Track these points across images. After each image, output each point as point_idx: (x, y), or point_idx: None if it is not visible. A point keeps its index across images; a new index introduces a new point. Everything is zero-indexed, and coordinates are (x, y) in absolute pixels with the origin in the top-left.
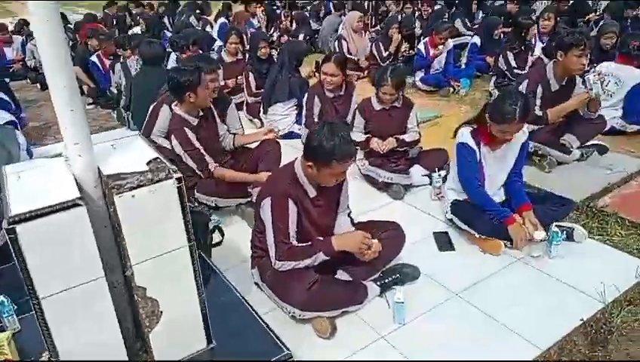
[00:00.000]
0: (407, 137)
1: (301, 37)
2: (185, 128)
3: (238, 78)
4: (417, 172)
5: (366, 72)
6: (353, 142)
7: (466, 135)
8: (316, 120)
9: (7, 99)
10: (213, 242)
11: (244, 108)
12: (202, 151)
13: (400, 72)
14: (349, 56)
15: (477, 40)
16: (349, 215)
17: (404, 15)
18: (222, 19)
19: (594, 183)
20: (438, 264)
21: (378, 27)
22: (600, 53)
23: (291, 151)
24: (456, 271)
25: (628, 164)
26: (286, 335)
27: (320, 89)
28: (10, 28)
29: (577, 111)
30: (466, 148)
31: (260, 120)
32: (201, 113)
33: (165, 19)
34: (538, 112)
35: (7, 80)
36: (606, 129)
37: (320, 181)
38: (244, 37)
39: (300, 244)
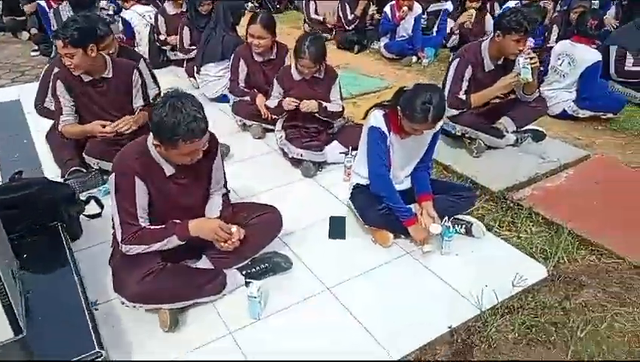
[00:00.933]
0: (329, 105)
1: None
2: (58, 80)
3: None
4: (334, 149)
5: (333, 33)
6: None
7: (378, 118)
8: (242, 85)
9: None
10: (90, 213)
11: (184, 65)
12: (61, 106)
13: (319, 43)
14: (314, 16)
15: (449, 6)
16: (225, 195)
17: None
18: None
19: (520, 172)
20: (323, 252)
21: None
22: (568, 28)
23: (223, 117)
24: (338, 261)
25: (565, 153)
26: (125, 327)
27: (248, 51)
28: None
29: (514, 93)
30: (379, 132)
31: (195, 80)
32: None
33: None
34: (461, 96)
35: None
36: (557, 112)
37: (172, 160)
38: None
39: (151, 226)
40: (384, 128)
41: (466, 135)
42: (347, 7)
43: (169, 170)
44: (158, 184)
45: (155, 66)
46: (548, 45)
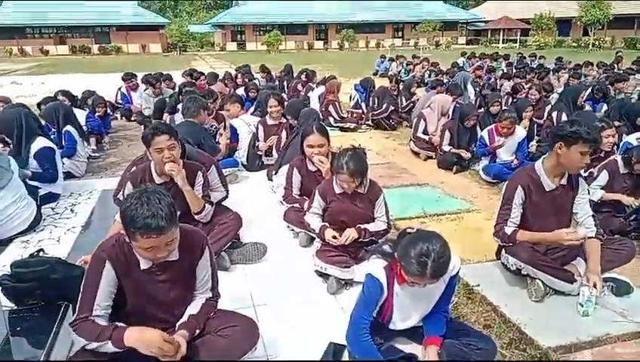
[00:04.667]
0: (371, 226)
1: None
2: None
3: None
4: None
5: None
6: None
7: (378, 269)
8: (296, 193)
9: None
10: None
11: None
12: None
13: (358, 159)
14: (421, 135)
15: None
16: (210, 299)
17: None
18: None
19: (584, 329)
20: None
21: None
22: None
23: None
24: None
25: None
26: None
27: (300, 163)
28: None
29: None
30: (374, 282)
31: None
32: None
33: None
34: (507, 229)
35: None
36: None
37: (139, 254)
38: None
39: (97, 322)
40: (383, 280)
41: (523, 272)
42: (447, 131)
43: (144, 264)
44: (134, 276)
45: (252, 170)
46: None
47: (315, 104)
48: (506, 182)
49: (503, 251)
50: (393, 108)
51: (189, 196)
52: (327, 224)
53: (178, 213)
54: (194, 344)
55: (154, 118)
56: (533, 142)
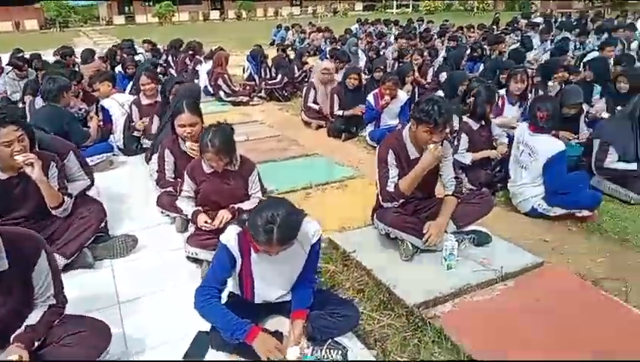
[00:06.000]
0: (246, 205)
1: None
2: None
3: None
4: None
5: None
6: None
7: (230, 233)
8: (170, 176)
9: None
10: None
11: None
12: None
13: (223, 135)
14: (311, 105)
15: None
16: (53, 306)
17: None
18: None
19: (447, 283)
20: None
21: None
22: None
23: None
24: None
25: (514, 260)
26: None
27: (172, 143)
28: None
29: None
30: (222, 248)
31: None
32: None
33: None
34: (390, 187)
35: None
36: (527, 210)
37: None
38: None
39: None
40: (232, 244)
41: (391, 236)
42: (335, 96)
43: None
44: None
45: (130, 153)
46: None
47: (204, 79)
48: (378, 147)
49: (375, 216)
50: (287, 79)
51: (45, 190)
52: (200, 208)
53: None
54: (39, 355)
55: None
56: None
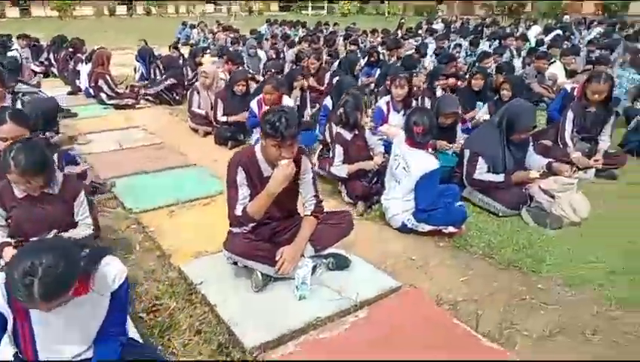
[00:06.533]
0: (73, 233)
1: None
2: None
3: None
4: None
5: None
6: None
7: None
8: None
9: None
10: None
11: None
12: None
13: (32, 151)
14: (196, 110)
15: (328, 101)
16: None
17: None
18: None
19: (298, 317)
20: None
21: None
22: None
23: None
24: None
25: (373, 284)
26: None
27: None
28: None
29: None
30: None
31: None
32: None
33: None
34: (238, 211)
35: None
36: (397, 226)
37: None
38: None
39: None
40: (2, 303)
41: (239, 264)
42: (219, 101)
43: None
44: None
45: None
46: None
47: (84, 81)
48: (227, 164)
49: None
50: (175, 80)
51: None
52: (8, 241)
53: None
54: None
55: None
56: (309, 111)
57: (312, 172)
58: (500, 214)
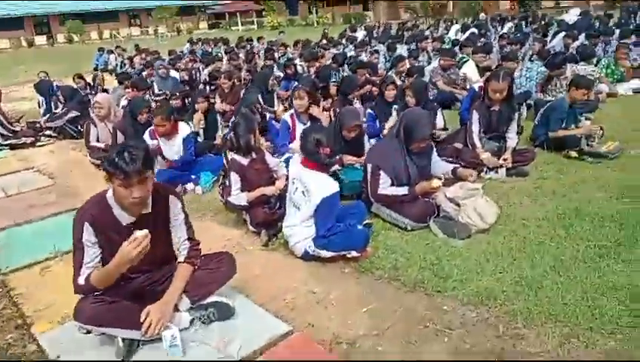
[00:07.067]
0: None
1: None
2: None
3: None
4: None
5: None
6: None
7: None
8: None
9: None
10: None
11: None
12: None
13: None
14: (95, 144)
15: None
16: None
17: None
18: None
19: None
20: None
21: None
22: None
23: None
24: None
25: (261, 331)
26: None
27: None
28: None
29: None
30: None
31: None
32: None
33: None
34: (80, 279)
35: None
36: (300, 254)
37: None
38: None
39: None
40: None
41: (93, 333)
42: (119, 135)
43: None
44: None
45: None
46: None
47: None
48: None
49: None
50: (77, 113)
51: None
52: None
53: None
54: None
55: None
56: (220, 133)
57: (184, 212)
58: (409, 228)
